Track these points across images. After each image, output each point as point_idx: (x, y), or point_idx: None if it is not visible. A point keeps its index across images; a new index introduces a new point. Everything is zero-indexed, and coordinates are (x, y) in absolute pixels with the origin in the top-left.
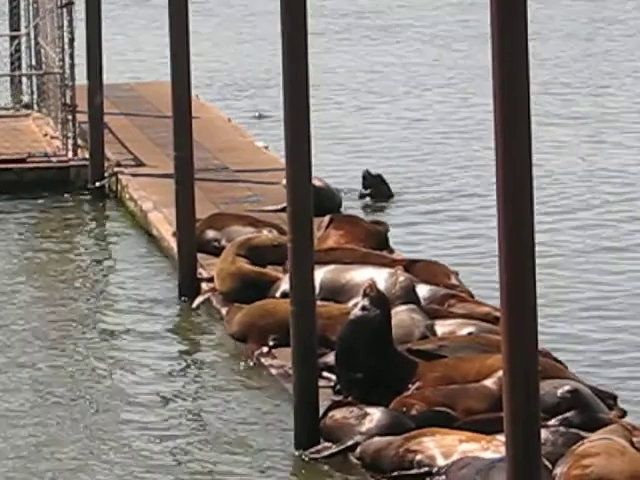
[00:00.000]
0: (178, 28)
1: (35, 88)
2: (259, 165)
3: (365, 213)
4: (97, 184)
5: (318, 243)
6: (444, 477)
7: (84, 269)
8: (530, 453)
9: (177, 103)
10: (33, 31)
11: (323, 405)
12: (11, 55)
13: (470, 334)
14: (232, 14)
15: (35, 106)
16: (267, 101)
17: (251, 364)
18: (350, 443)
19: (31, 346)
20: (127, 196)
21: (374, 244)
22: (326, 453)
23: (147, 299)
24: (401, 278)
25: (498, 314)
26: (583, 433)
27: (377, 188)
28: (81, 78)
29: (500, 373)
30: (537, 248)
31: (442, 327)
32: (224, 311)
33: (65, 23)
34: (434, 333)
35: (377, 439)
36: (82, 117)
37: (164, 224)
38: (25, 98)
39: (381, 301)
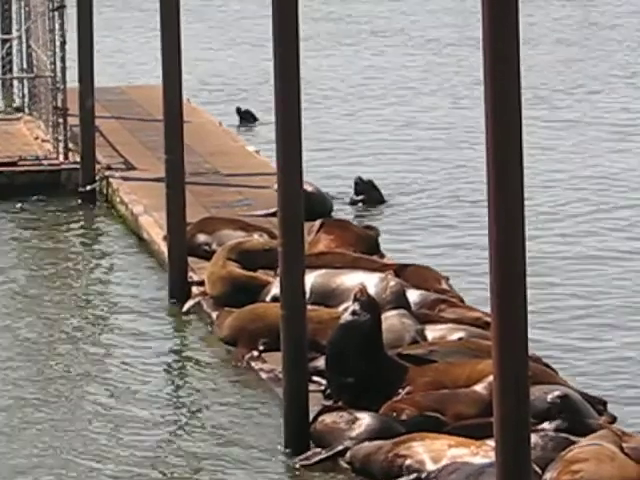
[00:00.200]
0: (169, 32)
1: (26, 91)
2: (250, 169)
3: (356, 218)
4: (88, 187)
5: (309, 247)
6: None
7: (74, 272)
8: (520, 458)
9: (168, 107)
10: (24, 34)
11: (313, 410)
12: (2, 58)
13: (460, 339)
14: (224, 18)
15: (26, 109)
16: (258, 105)
17: (241, 368)
18: (340, 448)
19: (20, 348)
20: (118, 199)
21: (365, 249)
22: (316, 459)
23: (137, 302)
24: (392, 283)
25: (489, 319)
26: (573, 438)
27: (369, 194)
28: (72, 81)
29: (490, 378)
30: (527, 254)
31: (433, 332)
32: (214, 315)
33: (57, 26)
34: (424, 338)
35: (367, 444)
36: (73, 120)
37: (155, 228)
38: (16, 101)
39: (371, 306)
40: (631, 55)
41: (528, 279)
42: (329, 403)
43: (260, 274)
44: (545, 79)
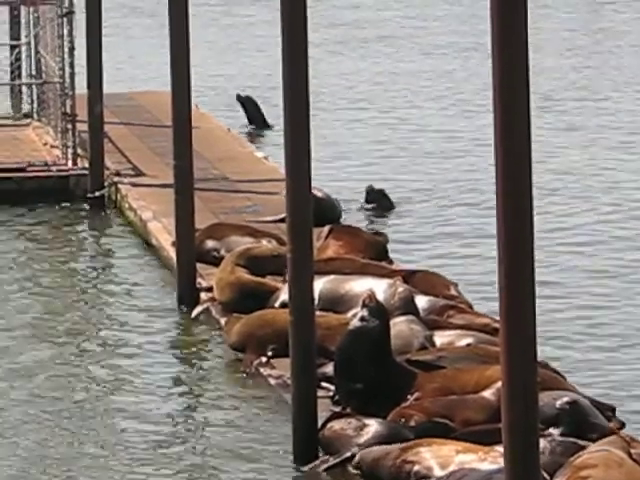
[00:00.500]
0: (178, 37)
1: (35, 97)
2: (259, 175)
3: (365, 224)
4: (97, 193)
5: (317, 253)
6: None
7: (83, 278)
8: (528, 464)
9: (177, 113)
10: (33, 40)
11: (322, 416)
12: (11, 64)
13: (469, 345)
14: (232, 24)
15: (35, 115)
16: (267, 111)
17: (250, 374)
18: (347, 455)
19: (29, 355)
20: (127, 205)
21: (373, 255)
22: (324, 467)
23: (146, 308)
24: (400, 289)
25: (497, 325)
26: (581, 444)
27: (380, 203)
28: (81, 87)
29: (499, 384)
30: (536, 260)
31: (441, 338)
32: (223, 321)
33: (65, 32)
34: (433, 344)
35: (375, 448)
36: (82, 126)
37: (163, 234)
38: (25, 107)
39: (380, 312)
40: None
41: (537, 284)
42: (338, 409)
43: (269, 280)
44: (553, 85)
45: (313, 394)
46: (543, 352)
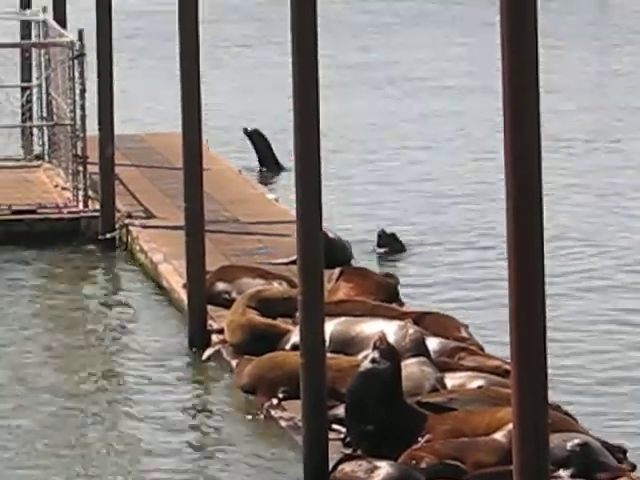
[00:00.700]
0: (189, 79)
1: (46, 139)
2: (270, 217)
3: (376, 265)
4: (108, 235)
5: (328, 295)
6: None
7: (94, 320)
8: None
9: (188, 155)
10: (44, 82)
11: (333, 458)
12: (22, 106)
13: (480, 387)
14: (243, 65)
15: (46, 157)
16: (278, 152)
17: (261, 416)
18: None
19: (41, 395)
20: (137, 248)
21: (384, 297)
22: None
23: (157, 350)
24: (411, 331)
25: (508, 367)
26: None
27: (391, 247)
28: (92, 129)
29: (510, 426)
30: (548, 303)
31: (452, 380)
32: (234, 363)
33: (76, 74)
34: (444, 386)
35: None
36: (93, 168)
37: (174, 276)
38: (36, 149)
39: (391, 354)
40: None
41: (548, 325)
42: (349, 451)
43: (280, 322)
44: (565, 127)
45: (324, 436)
46: (554, 394)
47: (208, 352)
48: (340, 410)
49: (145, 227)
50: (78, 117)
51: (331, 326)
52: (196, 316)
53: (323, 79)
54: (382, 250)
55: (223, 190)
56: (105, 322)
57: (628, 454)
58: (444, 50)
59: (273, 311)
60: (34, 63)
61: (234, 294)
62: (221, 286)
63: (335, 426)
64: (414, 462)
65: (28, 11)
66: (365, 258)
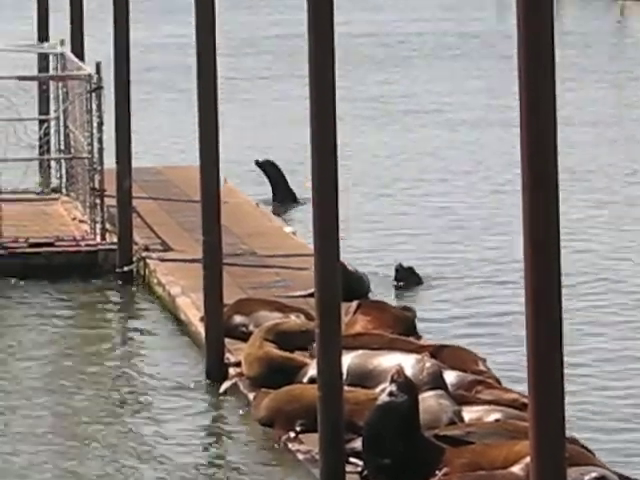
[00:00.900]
0: (207, 111)
1: (64, 172)
2: (287, 250)
3: (393, 298)
4: (125, 268)
5: (346, 328)
6: None
7: (112, 353)
8: None
9: (205, 188)
10: (62, 115)
11: None
12: (40, 139)
13: (498, 420)
14: (260, 98)
15: (64, 190)
16: (295, 186)
17: (278, 449)
18: None
19: (55, 424)
20: (155, 281)
21: (402, 330)
22: None
23: (174, 383)
24: (428, 364)
25: (526, 401)
26: None
27: (409, 280)
28: (110, 162)
29: (528, 459)
30: (565, 336)
31: (469, 413)
32: (251, 396)
33: (94, 107)
34: (461, 419)
35: None
36: (110, 201)
37: (192, 309)
38: (54, 182)
39: (409, 387)
40: None
41: (565, 357)
42: None
43: (297, 355)
44: (582, 159)
45: (341, 469)
46: (571, 429)
47: (225, 385)
48: (357, 443)
49: (163, 260)
50: (95, 150)
51: (348, 359)
52: (213, 349)
53: (341, 112)
54: (400, 283)
55: (241, 223)
56: (122, 354)
57: None
58: (462, 83)
59: (290, 344)
60: (52, 96)
61: (251, 327)
62: (238, 319)
63: (352, 459)
64: None
65: (46, 44)
66: (383, 291)
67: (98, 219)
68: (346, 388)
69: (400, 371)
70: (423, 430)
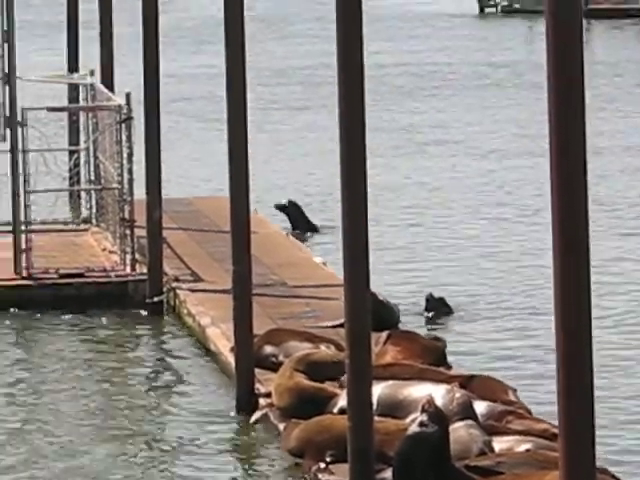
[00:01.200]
0: (237, 142)
1: (94, 203)
2: (317, 281)
3: (423, 328)
4: (155, 299)
5: (376, 359)
6: None
7: (141, 383)
8: None
9: (235, 218)
10: (92, 146)
11: None
12: (70, 170)
13: (528, 451)
14: (290, 128)
15: (94, 220)
16: (325, 215)
17: None
18: None
19: (87, 458)
20: (185, 311)
21: (432, 360)
22: None
23: (204, 413)
24: (458, 394)
25: (556, 431)
26: None
27: (439, 310)
28: (140, 193)
29: None
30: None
31: (500, 443)
32: (282, 427)
33: (124, 138)
34: (492, 449)
35: None
36: (140, 232)
37: (222, 339)
38: (84, 212)
39: (439, 417)
40: None
41: (595, 390)
42: None
43: (327, 386)
44: (613, 189)
45: None
46: (601, 453)
47: (255, 416)
48: (388, 474)
49: (193, 290)
50: (125, 181)
51: (379, 389)
52: (244, 379)
53: (370, 141)
54: (430, 314)
55: (270, 253)
56: (152, 385)
57: None
58: (491, 112)
59: (321, 374)
60: (82, 126)
61: (281, 357)
62: (269, 349)
63: None
64: None
65: (76, 74)
66: (413, 321)
67: (128, 250)
68: (376, 418)
69: (431, 401)
70: (454, 460)
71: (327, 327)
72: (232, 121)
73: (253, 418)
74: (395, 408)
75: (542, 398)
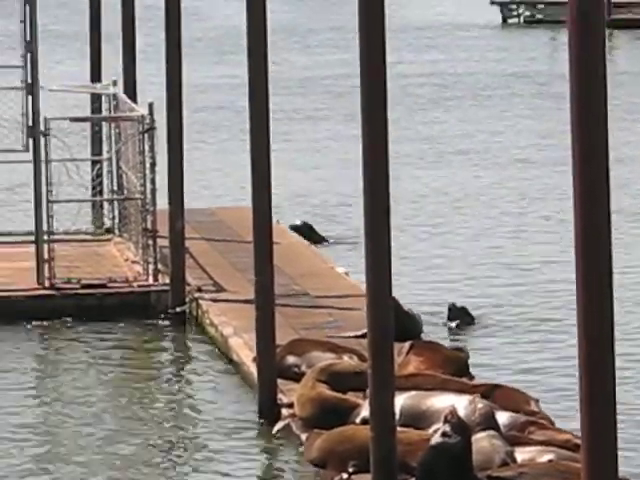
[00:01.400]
0: (259, 152)
1: (116, 213)
2: (339, 291)
3: (446, 338)
4: (178, 309)
5: (398, 369)
6: None
7: (163, 393)
8: None
9: (258, 228)
10: (115, 156)
11: None
12: (92, 180)
13: (550, 461)
14: (312, 138)
15: (116, 231)
16: (347, 226)
17: None
18: None
19: (110, 464)
20: (208, 321)
21: (454, 370)
22: None
23: (227, 424)
24: (480, 405)
25: (578, 441)
26: None
27: (462, 320)
28: (162, 203)
29: None
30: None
31: (522, 454)
32: (304, 437)
33: (146, 148)
34: (514, 460)
35: None
36: (163, 242)
37: (244, 349)
38: (106, 223)
39: (462, 427)
40: None
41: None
42: None
43: (350, 396)
44: (636, 198)
45: None
46: (625, 464)
47: (278, 426)
48: None
49: (215, 301)
50: (148, 191)
51: (401, 400)
52: (266, 390)
53: (392, 151)
54: (453, 323)
55: (293, 264)
56: (174, 395)
57: None
58: (513, 122)
59: (343, 385)
60: (104, 137)
61: (304, 368)
62: (291, 360)
63: None
64: None
65: (98, 85)
66: (435, 331)
67: (151, 260)
68: (399, 429)
69: (453, 412)
70: (476, 471)
71: (350, 337)
72: (254, 131)
73: (275, 428)
74: (418, 419)
75: (564, 408)
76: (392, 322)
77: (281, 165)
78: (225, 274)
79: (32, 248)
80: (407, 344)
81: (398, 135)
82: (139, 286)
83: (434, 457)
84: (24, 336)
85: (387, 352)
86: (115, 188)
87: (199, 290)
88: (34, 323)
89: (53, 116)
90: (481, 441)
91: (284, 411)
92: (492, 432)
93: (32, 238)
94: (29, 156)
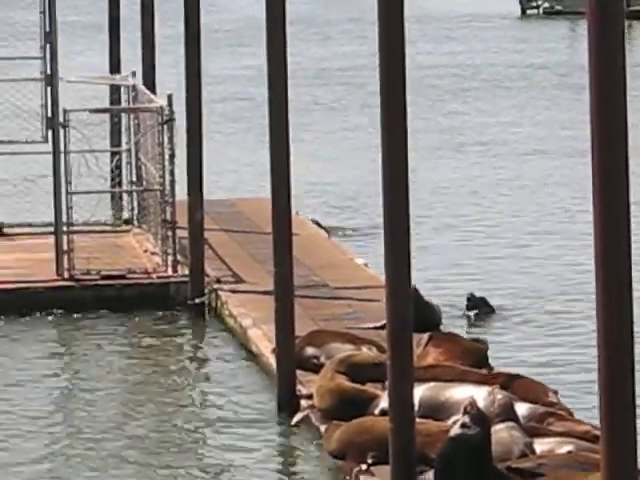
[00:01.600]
0: (278, 143)
1: (136, 204)
2: (359, 282)
3: (465, 329)
4: (197, 300)
5: (417, 360)
6: None
7: (183, 384)
8: None
9: (277, 219)
10: (134, 147)
11: None
12: (112, 171)
13: (569, 452)
14: (331, 129)
15: (135, 222)
16: (366, 216)
17: None
18: None
19: (128, 455)
20: (227, 312)
21: (473, 361)
22: None
23: (246, 415)
24: (499, 396)
25: (598, 433)
26: None
27: (481, 310)
28: (181, 194)
29: None
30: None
31: (541, 445)
32: (323, 428)
33: (165, 139)
34: (533, 451)
35: None
36: (182, 233)
37: (263, 341)
38: (126, 214)
39: (481, 419)
40: None
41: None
42: None
43: (369, 387)
44: None
45: None
46: None
47: (297, 417)
48: (429, 475)
49: (234, 292)
50: (167, 182)
51: (420, 391)
52: (285, 381)
53: (410, 142)
54: (471, 313)
55: (312, 255)
56: (194, 386)
57: None
58: (532, 113)
59: (362, 376)
60: (123, 128)
61: (323, 359)
62: (310, 351)
63: None
64: None
65: (117, 76)
66: (454, 322)
67: (170, 251)
68: (418, 420)
69: (473, 403)
70: (495, 462)
71: (369, 328)
72: (274, 122)
73: (294, 420)
74: (437, 410)
75: (584, 399)
76: (411, 313)
77: (300, 156)
78: (244, 265)
79: (51, 239)
80: (426, 335)
81: (417, 126)
82: (158, 277)
83: (453, 448)
84: (43, 327)
85: (406, 343)
86: (134, 179)
87: (218, 281)
88: (54, 314)
89: (72, 107)
90: (500, 432)
91: (303, 402)
92: (511, 423)
93: (51, 229)
94: (48, 147)
